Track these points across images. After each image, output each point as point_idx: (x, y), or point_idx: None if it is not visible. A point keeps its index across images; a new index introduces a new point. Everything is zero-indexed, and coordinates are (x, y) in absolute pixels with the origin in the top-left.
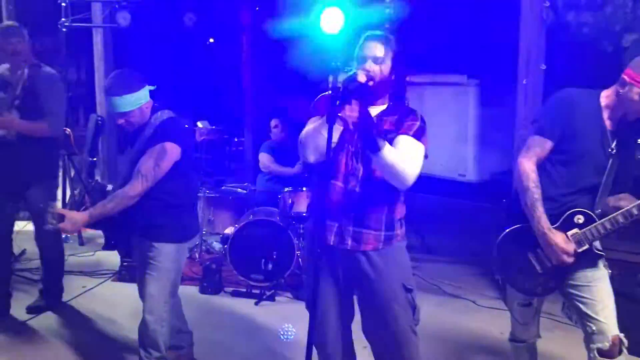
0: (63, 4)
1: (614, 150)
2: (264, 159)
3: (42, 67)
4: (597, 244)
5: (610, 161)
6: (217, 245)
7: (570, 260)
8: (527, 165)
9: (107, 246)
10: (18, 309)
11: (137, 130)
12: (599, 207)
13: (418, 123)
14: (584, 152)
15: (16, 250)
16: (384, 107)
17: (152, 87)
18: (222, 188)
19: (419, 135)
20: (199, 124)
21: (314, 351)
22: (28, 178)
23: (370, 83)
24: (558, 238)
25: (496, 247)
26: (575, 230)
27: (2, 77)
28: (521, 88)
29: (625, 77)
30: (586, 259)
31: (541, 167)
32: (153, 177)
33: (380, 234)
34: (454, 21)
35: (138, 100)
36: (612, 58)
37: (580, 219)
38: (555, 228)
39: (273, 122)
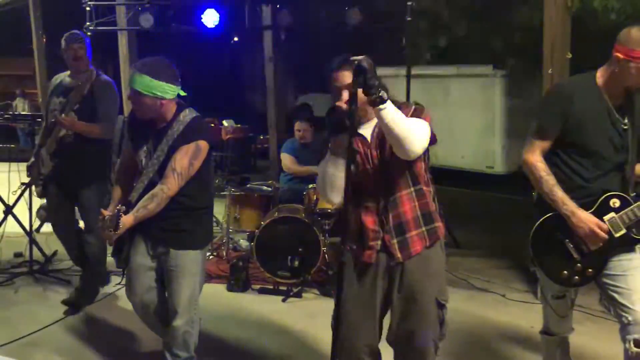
0: (87, 8)
1: (627, 126)
2: (286, 160)
3: (100, 74)
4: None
5: (628, 136)
6: (243, 243)
7: (604, 235)
8: (533, 158)
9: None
10: (51, 309)
11: (162, 127)
12: (632, 187)
13: (412, 108)
14: (597, 139)
15: (48, 251)
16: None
17: (182, 93)
18: (248, 186)
19: (417, 114)
20: (225, 123)
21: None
22: (81, 179)
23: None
24: (585, 214)
25: (530, 238)
26: (611, 215)
27: (64, 83)
28: (547, 78)
29: (619, 54)
30: (623, 245)
31: (560, 162)
32: (187, 175)
33: (422, 231)
34: (479, 12)
35: (157, 89)
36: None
37: (616, 202)
38: (591, 214)
39: (297, 126)
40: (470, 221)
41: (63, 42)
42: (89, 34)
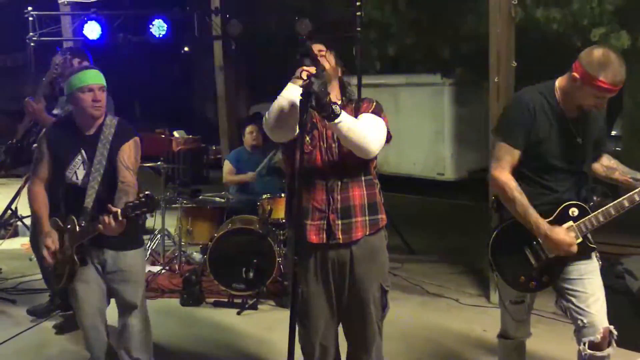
0: (30, 18)
1: (581, 139)
2: (225, 168)
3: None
4: (589, 236)
5: (584, 149)
6: (196, 256)
7: (576, 249)
8: (504, 176)
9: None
10: None
11: (92, 134)
12: (591, 197)
13: (374, 104)
14: (555, 152)
15: None
16: (339, 102)
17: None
18: (200, 198)
19: (376, 112)
20: (175, 134)
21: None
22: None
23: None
24: (561, 234)
25: (490, 245)
26: (569, 223)
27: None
28: (493, 86)
29: (576, 74)
30: (580, 252)
31: (527, 178)
32: (136, 171)
33: (365, 219)
34: (427, 22)
35: (105, 85)
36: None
37: (574, 211)
38: (549, 222)
39: (249, 129)
40: (423, 227)
41: (59, 58)
42: (32, 44)
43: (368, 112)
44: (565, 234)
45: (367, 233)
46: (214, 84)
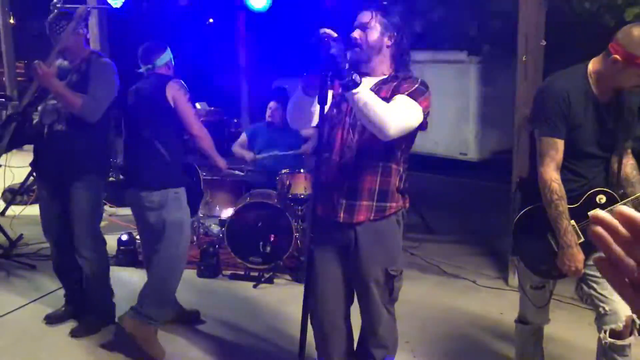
0: None
1: (613, 125)
2: (238, 140)
3: (100, 56)
4: None
5: (616, 135)
6: (214, 228)
7: (580, 273)
8: (548, 175)
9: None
10: (15, 294)
11: None
12: (620, 184)
13: (416, 85)
14: (588, 139)
15: (12, 235)
16: (384, 76)
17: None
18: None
19: (414, 95)
20: (197, 105)
21: (310, 333)
22: (72, 172)
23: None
24: (580, 256)
25: (513, 227)
26: (596, 210)
27: (62, 67)
28: (521, 65)
29: (617, 56)
30: None
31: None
32: None
33: (371, 204)
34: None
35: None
36: (614, 32)
37: (602, 199)
38: (576, 208)
39: (270, 104)
40: (444, 207)
41: (49, 33)
42: (56, 12)
43: (404, 93)
44: (581, 261)
45: (372, 218)
46: (237, 55)
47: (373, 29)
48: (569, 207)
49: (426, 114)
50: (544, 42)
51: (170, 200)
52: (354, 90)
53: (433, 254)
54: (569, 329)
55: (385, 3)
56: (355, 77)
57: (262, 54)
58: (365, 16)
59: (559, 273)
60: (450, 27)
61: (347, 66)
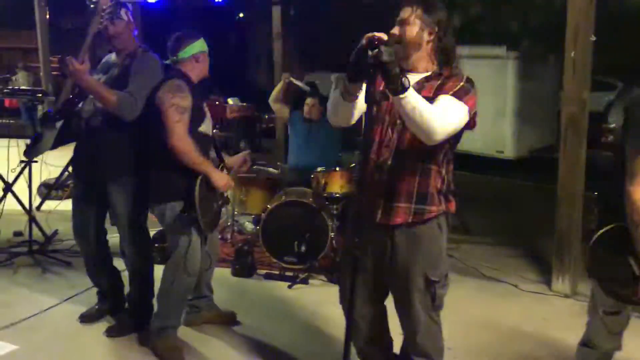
0: None
1: None
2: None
3: (146, 51)
4: None
5: None
6: (249, 226)
7: None
8: (638, 196)
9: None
10: (50, 291)
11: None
12: None
13: (461, 84)
14: None
15: (48, 230)
16: (427, 74)
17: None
18: (254, 167)
19: (459, 94)
20: (230, 101)
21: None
22: (107, 172)
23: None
24: None
25: (589, 248)
26: None
27: (109, 61)
28: (569, 61)
29: None
30: None
31: None
32: None
33: (410, 207)
34: None
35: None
36: None
37: None
38: None
39: (308, 100)
40: (480, 207)
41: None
42: (92, 6)
43: (449, 93)
44: None
45: (410, 221)
46: (269, 51)
47: (412, 25)
48: None
49: (473, 114)
50: (593, 38)
51: (168, 217)
52: (402, 95)
53: (471, 256)
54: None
55: None
56: (405, 81)
57: (295, 48)
58: (404, 12)
59: (637, 300)
60: (490, 22)
61: (397, 70)
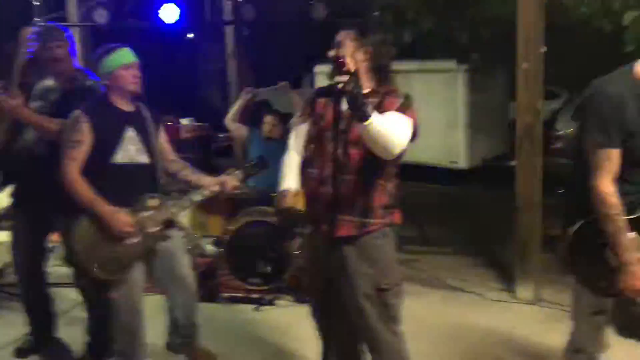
0: (36, 3)
1: None
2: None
3: (87, 75)
4: None
5: None
6: (210, 249)
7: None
8: (604, 189)
9: None
10: (7, 329)
11: (132, 112)
12: None
13: (399, 100)
14: None
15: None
16: (366, 91)
17: None
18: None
19: (402, 111)
20: (183, 121)
21: None
22: (55, 202)
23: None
24: None
25: (567, 245)
26: None
27: (47, 87)
28: (522, 73)
29: None
30: None
31: None
32: None
33: (354, 220)
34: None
35: None
36: (611, 37)
37: None
38: (634, 219)
39: (267, 119)
40: (438, 217)
41: (30, 34)
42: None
43: (391, 110)
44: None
45: (355, 233)
46: (223, 70)
47: (346, 47)
48: (628, 219)
49: (415, 127)
50: (544, 49)
51: None
52: (366, 122)
53: (434, 267)
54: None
55: (376, 14)
56: (368, 109)
57: (248, 67)
58: (340, 35)
59: (618, 291)
60: (440, 36)
61: (361, 102)
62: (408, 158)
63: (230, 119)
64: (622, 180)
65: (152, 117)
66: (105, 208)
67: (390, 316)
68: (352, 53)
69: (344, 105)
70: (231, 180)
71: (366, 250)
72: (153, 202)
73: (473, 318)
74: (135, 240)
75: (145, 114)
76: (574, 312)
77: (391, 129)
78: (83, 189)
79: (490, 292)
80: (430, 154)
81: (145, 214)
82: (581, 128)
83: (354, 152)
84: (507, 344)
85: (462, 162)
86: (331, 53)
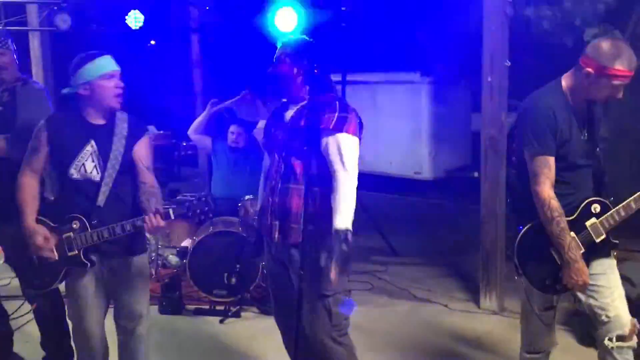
0: None
1: (586, 136)
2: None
3: (29, 82)
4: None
5: (593, 145)
6: (173, 259)
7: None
8: (545, 194)
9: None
10: None
11: (102, 125)
12: (607, 192)
13: (336, 115)
14: (574, 150)
15: None
16: (304, 102)
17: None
18: (177, 198)
19: (339, 126)
20: (150, 128)
21: None
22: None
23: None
24: (586, 269)
25: (516, 246)
26: (593, 220)
27: None
28: (486, 86)
29: (590, 69)
30: (603, 249)
31: None
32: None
33: (300, 227)
34: (406, 18)
35: None
36: (573, 53)
37: (596, 208)
38: (573, 220)
39: (231, 128)
40: (403, 228)
41: None
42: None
43: (330, 126)
44: (587, 274)
45: (302, 240)
46: (186, 78)
47: (283, 62)
48: (568, 220)
49: (359, 136)
50: (508, 63)
51: None
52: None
53: (401, 277)
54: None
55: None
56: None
57: (218, 76)
58: (277, 52)
59: (564, 287)
60: (404, 48)
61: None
62: (372, 168)
63: (193, 131)
64: (559, 184)
65: (129, 130)
66: (27, 222)
67: (332, 324)
68: (289, 67)
69: (289, 114)
70: (156, 220)
71: (312, 257)
72: (76, 223)
73: (439, 329)
74: (52, 259)
75: (120, 127)
76: (524, 312)
77: (348, 197)
78: (20, 196)
79: (455, 303)
80: (394, 164)
81: (68, 234)
82: (519, 139)
83: (292, 161)
84: (471, 354)
85: (425, 172)
86: (270, 70)
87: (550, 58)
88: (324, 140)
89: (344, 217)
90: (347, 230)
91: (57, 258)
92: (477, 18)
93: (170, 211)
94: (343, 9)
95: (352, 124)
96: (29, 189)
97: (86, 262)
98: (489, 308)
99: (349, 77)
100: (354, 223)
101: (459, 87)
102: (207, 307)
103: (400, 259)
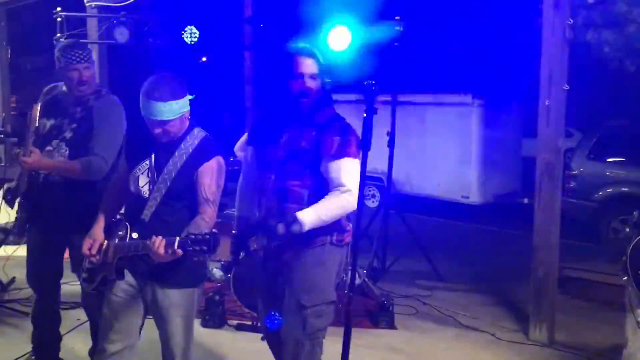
0: (58, 19)
1: None
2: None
3: (103, 95)
4: None
5: None
6: (217, 273)
7: None
8: None
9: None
10: (6, 345)
11: (170, 141)
12: None
13: (338, 138)
14: None
15: (5, 278)
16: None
17: (191, 97)
18: (225, 212)
19: (341, 152)
20: None
21: None
22: (72, 227)
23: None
24: None
25: (628, 258)
26: None
27: (59, 98)
28: (543, 109)
29: None
30: None
31: None
32: (218, 199)
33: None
34: (459, 40)
35: (181, 108)
36: (635, 77)
37: None
38: None
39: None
40: (449, 252)
41: (62, 59)
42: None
43: (331, 152)
44: None
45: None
46: (239, 94)
47: (318, 80)
48: None
49: (358, 156)
50: (567, 86)
51: None
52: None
53: (447, 303)
54: None
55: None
56: (295, 227)
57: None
58: (312, 67)
59: None
60: (456, 70)
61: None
62: (418, 190)
63: (239, 148)
64: None
65: (195, 149)
66: (94, 225)
67: (305, 333)
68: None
69: (286, 135)
70: (159, 244)
71: (300, 265)
72: (121, 232)
73: (486, 358)
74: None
75: (188, 143)
76: (629, 323)
77: (330, 211)
78: (102, 199)
79: (503, 332)
80: (441, 187)
81: (114, 242)
82: None
83: (287, 168)
84: None
85: (474, 197)
86: (311, 84)
87: (610, 83)
88: (325, 164)
89: (311, 216)
90: (301, 224)
91: (99, 261)
92: (531, 41)
93: (176, 240)
94: (397, 28)
95: (353, 147)
96: (108, 194)
97: (116, 275)
98: (539, 340)
99: (399, 98)
100: (398, 246)
101: (510, 110)
102: (249, 323)
103: (446, 284)
